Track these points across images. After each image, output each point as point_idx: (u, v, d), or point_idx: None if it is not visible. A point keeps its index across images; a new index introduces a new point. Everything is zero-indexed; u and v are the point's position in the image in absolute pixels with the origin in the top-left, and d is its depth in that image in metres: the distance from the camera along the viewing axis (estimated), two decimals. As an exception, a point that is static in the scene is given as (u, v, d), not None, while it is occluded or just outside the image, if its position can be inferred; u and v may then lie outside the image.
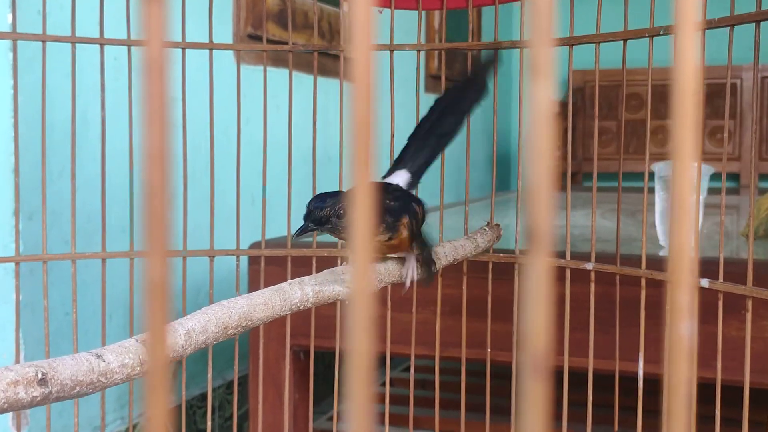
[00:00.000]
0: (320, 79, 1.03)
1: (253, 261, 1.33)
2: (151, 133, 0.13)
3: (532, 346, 0.13)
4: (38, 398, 0.43)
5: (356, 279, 0.14)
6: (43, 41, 0.88)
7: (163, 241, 0.14)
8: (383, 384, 2.05)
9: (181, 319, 0.52)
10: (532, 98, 0.13)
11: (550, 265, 0.13)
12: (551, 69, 0.13)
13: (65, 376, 0.44)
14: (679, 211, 0.15)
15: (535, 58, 0.13)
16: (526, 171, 0.13)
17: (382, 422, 1.41)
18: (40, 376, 0.43)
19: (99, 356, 0.47)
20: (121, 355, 0.48)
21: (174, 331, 0.51)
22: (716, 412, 0.82)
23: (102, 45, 0.90)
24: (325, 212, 0.71)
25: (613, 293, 0.92)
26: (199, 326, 0.52)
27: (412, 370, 1.03)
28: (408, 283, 0.77)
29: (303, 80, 1.35)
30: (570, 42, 0.87)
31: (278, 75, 1.67)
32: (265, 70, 0.97)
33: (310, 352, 1.38)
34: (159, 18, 0.13)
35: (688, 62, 0.16)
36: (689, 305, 0.14)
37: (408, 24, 1.10)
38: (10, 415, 1.34)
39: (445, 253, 0.81)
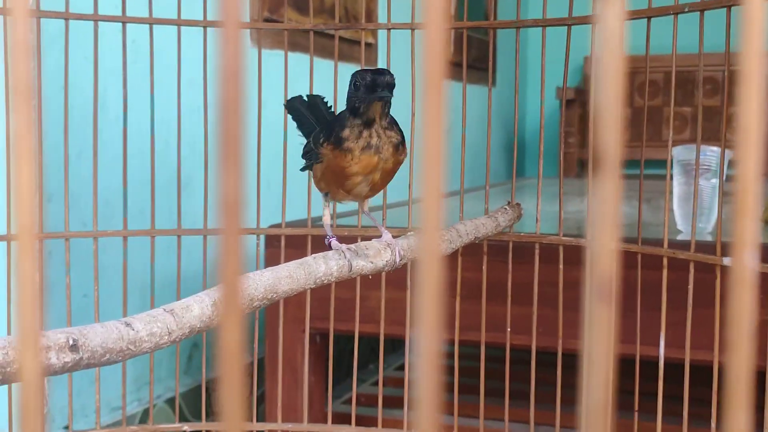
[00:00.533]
0: (333, 63, 1.03)
1: (270, 244, 1.33)
2: (226, 51, 0.13)
3: (599, 269, 0.13)
4: (69, 364, 0.43)
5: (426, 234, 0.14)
6: (66, 19, 0.88)
7: (238, 158, 0.14)
8: (400, 368, 2.06)
9: (208, 290, 0.53)
10: (603, 21, 0.13)
11: (617, 186, 0.13)
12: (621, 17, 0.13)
13: (96, 343, 0.44)
14: (745, 128, 0.14)
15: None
16: (595, 96, 0.13)
17: (401, 407, 1.41)
18: (71, 342, 0.43)
19: (128, 324, 0.47)
20: (150, 323, 0.48)
21: (201, 301, 0.51)
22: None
23: (124, 23, 0.90)
24: (390, 78, 0.72)
25: (634, 276, 0.91)
26: (225, 298, 0.52)
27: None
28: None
29: (319, 64, 1.34)
30: (593, 20, 0.86)
31: (296, 59, 1.67)
32: (286, 54, 0.97)
33: (327, 335, 1.39)
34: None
35: (754, 39, 0.16)
36: (753, 236, 0.14)
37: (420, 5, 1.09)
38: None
39: (466, 231, 0.81)
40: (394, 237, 0.73)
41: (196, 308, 0.50)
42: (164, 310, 0.49)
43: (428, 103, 0.16)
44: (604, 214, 0.13)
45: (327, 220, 0.76)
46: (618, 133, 0.13)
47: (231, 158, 0.14)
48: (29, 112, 0.15)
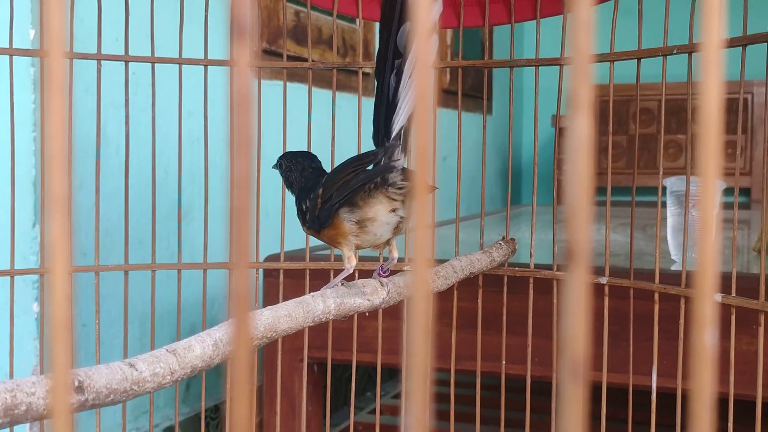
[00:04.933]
0: (332, 93, 1.05)
1: (268, 274, 1.34)
2: (239, 161, 0.14)
3: (572, 352, 0.15)
4: (75, 405, 0.44)
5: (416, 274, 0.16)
6: (70, 59, 0.90)
7: (247, 254, 0.16)
8: (397, 396, 2.06)
9: (209, 330, 0.54)
10: (573, 131, 0.15)
11: (588, 279, 0.15)
12: (590, 104, 0.15)
13: (100, 384, 0.46)
14: (704, 226, 0.16)
15: (575, 95, 0.15)
16: (566, 194, 0.15)
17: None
18: (77, 383, 0.45)
19: (132, 365, 0.48)
20: (153, 364, 0.49)
21: (202, 341, 0.53)
22: (729, 426, 0.83)
23: (127, 62, 0.92)
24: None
25: (627, 307, 0.93)
26: (226, 337, 0.54)
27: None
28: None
29: (318, 95, 1.37)
30: (611, 58, 0.88)
31: (294, 90, 1.69)
32: (285, 87, 0.99)
33: (324, 364, 1.39)
34: (245, 56, 0.15)
35: (712, 83, 0.18)
36: (712, 315, 0.16)
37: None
38: (28, 425, 1.36)
39: (461, 267, 0.82)
40: (392, 272, 0.75)
41: (198, 348, 0.52)
42: (167, 350, 0.50)
43: (418, 138, 0.18)
44: (576, 305, 0.14)
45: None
46: (588, 230, 0.15)
47: (242, 254, 0.15)
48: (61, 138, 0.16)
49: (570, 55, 0.15)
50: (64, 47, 0.17)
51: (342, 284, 0.70)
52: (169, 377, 0.49)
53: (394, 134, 0.70)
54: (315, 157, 0.84)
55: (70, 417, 0.18)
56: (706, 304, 0.16)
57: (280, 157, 0.84)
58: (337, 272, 0.99)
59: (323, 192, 0.72)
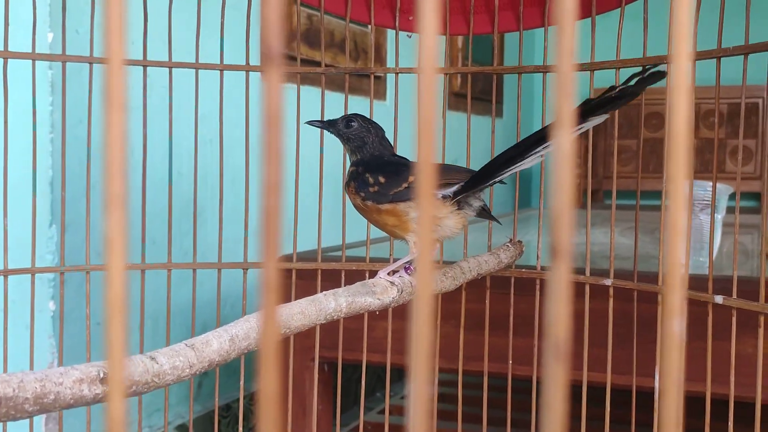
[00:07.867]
0: (344, 96, 1.07)
1: (279, 274, 1.37)
2: (269, 169, 0.16)
3: (554, 334, 0.17)
4: (100, 395, 0.47)
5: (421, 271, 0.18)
6: (90, 63, 0.93)
7: (276, 250, 0.18)
8: (404, 397, 2.08)
9: (225, 326, 0.56)
10: (557, 144, 0.17)
11: (568, 271, 0.17)
12: (571, 121, 0.17)
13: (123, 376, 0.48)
14: (673, 223, 0.18)
15: (559, 112, 0.17)
16: (549, 197, 0.17)
17: (405, 433, 1.44)
18: (101, 375, 0.47)
19: (153, 358, 0.51)
20: (173, 357, 0.52)
21: (219, 337, 0.55)
22: (729, 425, 0.85)
23: (145, 67, 0.94)
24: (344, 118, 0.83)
25: (631, 309, 0.95)
26: (242, 332, 0.56)
27: (435, 383, 1.06)
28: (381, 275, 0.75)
29: (329, 98, 1.39)
30: (591, 68, 0.91)
31: (306, 92, 1.71)
32: (298, 90, 1.01)
33: (335, 364, 1.42)
34: (276, 79, 0.17)
35: (680, 90, 0.20)
36: (680, 305, 0.18)
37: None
38: (43, 421, 1.39)
39: (469, 268, 0.84)
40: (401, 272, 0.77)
41: (215, 343, 0.54)
42: (186, 345, 0.53)
43: (422, 143, 0.20)
44: (558, 292, 0.16)
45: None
46: (570, 231, 0.17)
47: (273, 200, 0.17)
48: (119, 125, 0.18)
49: (555, 76, 0.17)
50: (124, 57, 0.19)
51: (408, 267, 0.74)
52: (188, 370, 0.52)
53: (489, 182, 0.77)
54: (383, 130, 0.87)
55: (125, 401, 0.20)
56: (675, 295, 0.18)
57: (352, 116, 0.85)
58: (348, 273, 1.01)
59: (414, 181, 0.76)
